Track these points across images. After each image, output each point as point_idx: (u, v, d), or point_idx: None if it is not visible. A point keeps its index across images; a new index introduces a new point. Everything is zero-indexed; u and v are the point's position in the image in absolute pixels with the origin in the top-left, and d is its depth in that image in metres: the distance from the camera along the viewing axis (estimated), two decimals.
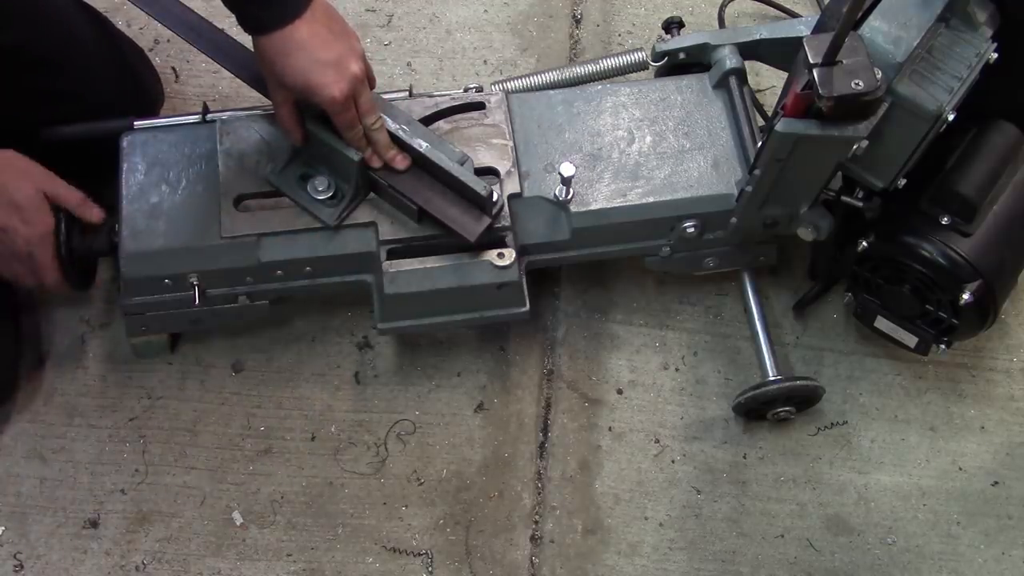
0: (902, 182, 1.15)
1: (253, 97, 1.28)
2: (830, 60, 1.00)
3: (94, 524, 1.26)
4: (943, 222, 1.17)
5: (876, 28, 1.06)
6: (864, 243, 1.21)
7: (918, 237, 1.18)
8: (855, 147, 1.07)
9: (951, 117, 1.06)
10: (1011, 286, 1.23)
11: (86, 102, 1.27)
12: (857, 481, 1.33)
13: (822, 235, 1.22)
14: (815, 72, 1.00)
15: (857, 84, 0.99)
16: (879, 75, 1.00)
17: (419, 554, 1.26)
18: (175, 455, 1.30)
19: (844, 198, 1.20)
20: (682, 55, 1.34)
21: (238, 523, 1.27)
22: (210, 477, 1.29)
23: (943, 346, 1.25)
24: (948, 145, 1.18)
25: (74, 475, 1.28)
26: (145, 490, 1.28)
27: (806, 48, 1.01)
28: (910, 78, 1.06)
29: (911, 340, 1.26)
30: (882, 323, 1.28)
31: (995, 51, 1.09)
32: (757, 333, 1.33)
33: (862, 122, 1.03)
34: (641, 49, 1.36)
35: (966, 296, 1.16)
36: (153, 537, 1.25)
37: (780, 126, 1.06)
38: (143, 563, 1.24)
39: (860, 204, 1.19)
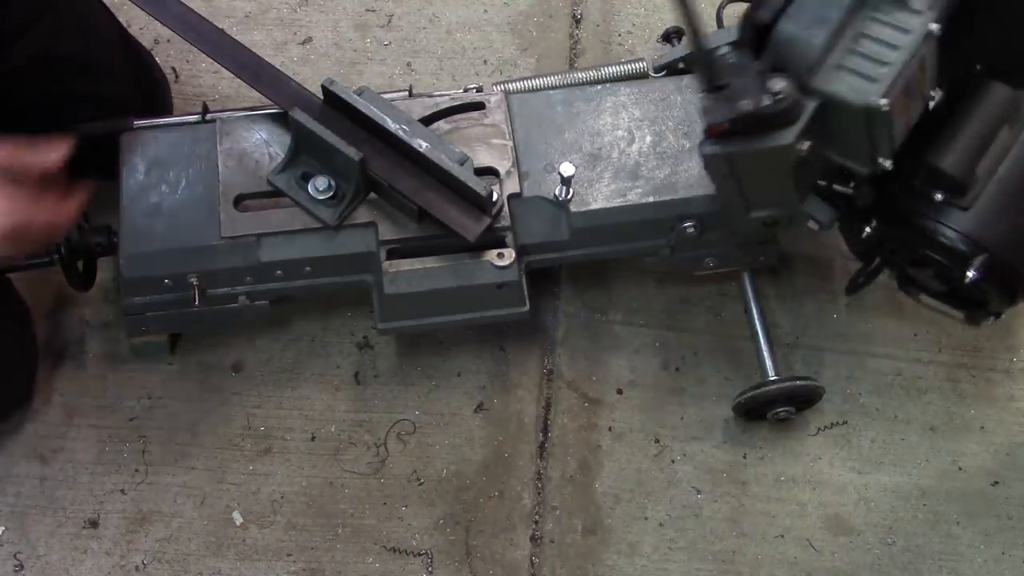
0: (888, 164, 1.08)
1: (253, 97, 1.28)
2: (713, 87, 1.01)
3: (94, 524, 1.26)
4: (938, 199, 1.11)
5: (786, 30, 1.03)
6: (868, 229, 1.19)
7: (915, 218, 1.13)
8: (799, 150, 1.03)
9: (883, 103, 0.99)
10: None
11: (106, 103, 1.27)
12: (857, 481, 1.33)
13: (826, 226, 1.19)
14: (700, 101, 1.02)
15: (744, 105, 0.99)
16: (780, 85, 0.99)
17: (419, 554, 1.26)
18: (175, 455, 1.30)
19: (835, 187, 1.16)
20: (681, 64, 1.34)
21: (238, 523, 1.27)
22: (210, 477, 1.29)
23: (992, 318, 1.19)
24: (938, 117, 1.12)
25: (74, 475, 1.28)
26: (145, 490, 1.28)
27: (696, 76, 1.03)
28: (836, 73, 1.01)
29: (958, 314, 1.22)
30: (926, 299, 1.24)
31: (935, 23, 1.02)
32: (757, 333, 1.33)
33: (787, 129, 1.01)
34: (642, 60, 1.36)
35: (971, 273, 1.09)
36: (153, 537, 1.25)
37: (703, 148, 1.06)
38: (143, 563, 1.24)
39: (850, 192, 1.17)
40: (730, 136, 1.04)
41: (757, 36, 1.03)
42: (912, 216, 1.12)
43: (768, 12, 1.03)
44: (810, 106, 1.01)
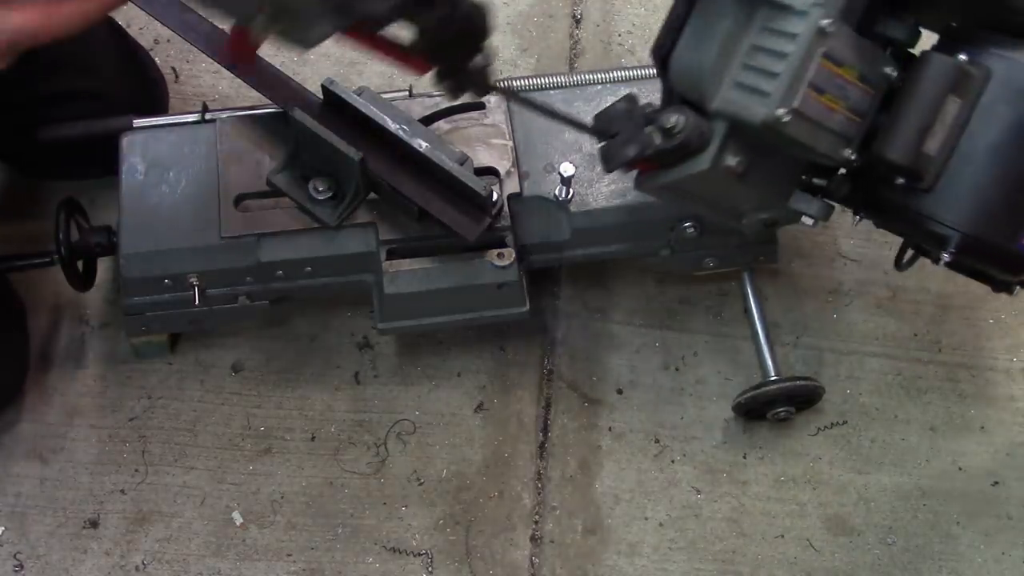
0: (849, 154, 1.04)
1: (253, 97, 1.28)
2: (605, 135, 1.03)
3: (94, 524, 1.26)
4: (899, 184, 1.05)
5: (680, 59, 1.03)
6: (858, 218, 1.16)
7: (886, 206, 1.09)
8: (729, 168, 1.02)
9: (781, 114, 0.96)
10: None
11: (99, 100, 1.27)
12: (857, 481, 1.33)
13: (822, 219, 1.17)
14: (598, 151, 1.04)
15: (631, 150, 1.00)
16: (673, 119, 0.98)
17: (419, 554, 1.26)
18: (175, 455, 1.30)
19: (814, 180, 1.13)
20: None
21: (238, 523, 1.27)
22: (210, 477, 1.29)
23: (1019, 287, 1.13)
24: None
25: (74, 475, 1.28)
26: (145, 490, 1.28)
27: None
28: (732, 92, 0.99)
29: (986, 286, 1.17)
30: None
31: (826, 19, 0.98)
32: (757, 333, 1.33)
33: (700, 156, 1.01)
34: (650, 66, 1.35)
35: (945, 256, 1.05)
36: (153, 537, 1.25)
37: (637, 185, 1.08)
38: (143, 563, 1.24)
39: (825, 184, 1.15)
40: (655, 169, 1.05)
41: (663, 68, 1.04)
42: (883, 204, 1.09)
43: (664, 43, 1.04)
44: (719, 128, 1.00)
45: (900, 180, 1.04)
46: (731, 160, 1.01)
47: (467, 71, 0.92)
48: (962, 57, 1.01)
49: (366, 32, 0.87)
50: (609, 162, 1.04)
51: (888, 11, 1.03)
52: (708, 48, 1.00)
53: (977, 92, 1.01)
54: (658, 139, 1.00)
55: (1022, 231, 1.04)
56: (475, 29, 0.88)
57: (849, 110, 1.01)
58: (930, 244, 1.07)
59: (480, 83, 0.94)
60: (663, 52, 1.05)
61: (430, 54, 0.89)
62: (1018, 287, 1.12)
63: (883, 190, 1.07)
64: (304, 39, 0.84)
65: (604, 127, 1.04)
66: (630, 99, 1.04)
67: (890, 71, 1.01)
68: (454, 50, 0.90)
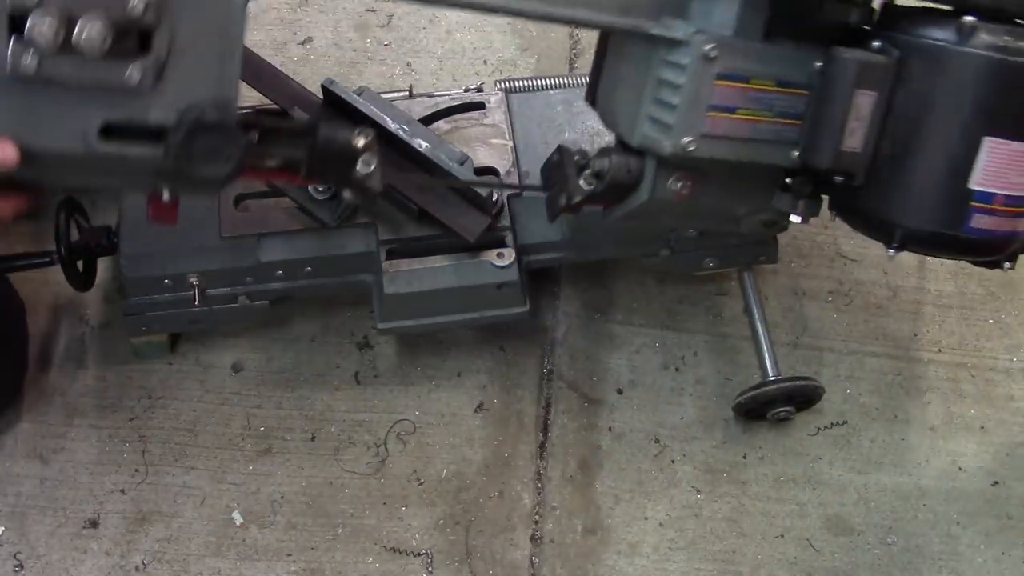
0: (795, 155, 1.03)
1: (253, 97, 1.28)
2: (546, 188, 1.08)
3: (94, 524, 1.26)
4: (839, 182, 1.03)
5: (600, 105, 1.07)
6: (833, 213, 1.13)
7: (837, 204, 1.08)
8: (673, 192, 1.03)
9: (686, 143, 0.97)
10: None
11: None
12: (857, 481, 1.33)
13: (811, 214, 1.16)
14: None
15: (562, 200, 1.05)
16: (600, 164, 1.02)
17: (419, 554, 1.26)
18: (175, 455, 1.30)
19: (787, 180, 1.10)
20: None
21: (238, 523, 1.27)
22: (210, 477, 1.29)
23: (1008, 263, 1.10)
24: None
25: (74, 475, 1.28)
26: (145, 490, 1.28)
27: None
28: (645, 126, 1.00)
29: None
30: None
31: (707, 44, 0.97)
32: (757, 333, 1.33)
33: (638, 190, 1.04)
34: None
35: (890, 251, 1.03)
36: (153, 537, 1.25)
37: (604, 219, 1.11)
38: (143, 563, 1.24)
39: (789, 183, 1.14)
40: (609, 206, 1.08)
41: (596, 110, 1.08)
42: (834, 202, 1.08)
43: (590, 87, 1.08)
44: (650, 162, 1.02)
45: (838, 178, 1.02)
46: (674, 186, 1.03)
47: (352, 181, 0.96)
48: (876, 44, 0.98)
49: (255, 173, 0.95)
50: (549, 212, 1.08)
51: None
52: (622, 87, 1.03)
53: (890, 81, 0.98)
54: (589, 184, 1.03)
55: (965, 215, 0.99)
56: (341, 150, 0.93)
57: (780, 117, 1.01)
58: (881, 239, 1.05)
59: (364, 193, 0.98)
60: (590, 96, 1.09)
61: (310, 174, 0.94)
62: (1007, 263, 1.08)
63: (828, 189, 1.06)
64: (208, 191, 0.92)
65: (545, 179, 1.09)
66: (560, 150, 1.07)
67: (821, 66, 0.99)
68: (331, 168, 0.95)
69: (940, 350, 1.42)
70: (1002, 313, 1.45)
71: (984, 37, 0.94)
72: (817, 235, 1.48)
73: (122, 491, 1.28)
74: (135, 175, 0.91)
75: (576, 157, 1.05)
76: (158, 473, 1.29)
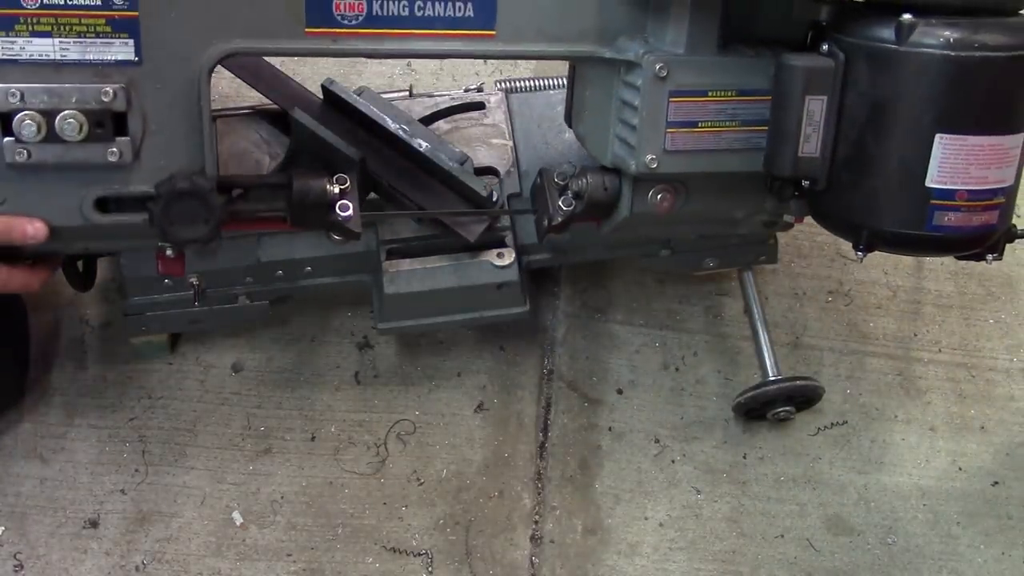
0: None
1: (253, 97, 1.28)
2: (534, 211, 1.14)
3: (94, 524, 1.26)
4: (805, 186, 1.02)
5: (576, 131, 1.11)
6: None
7: (813, 207, 1.06)
8: (656, 204, 1.05)
9: (649, 160, 0.99)
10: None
11: None
12: (857, 481, 1.33)
13: (803, 213, 1.16)
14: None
15: (544, 221, 1.10)
16: (578, 183, 1.06)
17: (419, 554, 1.26)
18: (175, 455, 1.30)
19: (770, 183, 1.14)
20: None
21: (238, 523, 1.27)
22: (210, 477, 1.29)
23: (991, 255, 1.09)
24: None
25: (74, 475, 1.28)
26: (145, 490, 1.28)
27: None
28: (615, 147, 1.04)
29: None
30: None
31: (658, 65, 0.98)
32: (757, 333, 1.33)
33: (618, 208, 1.07)
34: None
35: (858, 253, 1.01)
36: (153, 537, 1.25)
37: (601, 232, 1.13)
38: (143, 563, 1.24)
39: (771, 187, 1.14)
40: (598, 221, 1.12)
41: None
42: (809, 205, 1.07)
43: (567, 110, 1.13)
44: (627, 180, 1.05)
45: (804, 183, 1.02)
46: (654, 200, 1.05)
47: (332, 225, 1.03)
48: (824, 48, 0.98)
49: (247, 224, 1.06)
50: (537, 233, 1.14)
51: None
52: (590, 110, 1.06)
53: (838, 85, 0.97)
54: (568, 205, 1.08)
55: (926, 214, 0.98)
56: (317, 199, 1.01)
57: (746, 125, 1.02)
58: (849, 239, 1.04)
59: (344, 232, 1.04)
60: (567, 119, 1.13)
61: (295, 223, 1.03)
62: (990, 255, 1.08)
63: (801, 194, 1.05)
64: (198, 248, 1.01)
65: (532, 201, 1.15)
66: (541, 173, 1.11)
67: (773, 74, 0.99)
68: (312, 215, 1.02)
69: (940, 350, 1.42)
70: (1002, 313, 1.45)
71: (924, 34, 0.92)
72: (817, 235, 1.48)
73: (122, 491, 1.28)
74: (135, 238, 1.04)
75: (557, 179, 1.09)
76: (158, 473, 1.29)
